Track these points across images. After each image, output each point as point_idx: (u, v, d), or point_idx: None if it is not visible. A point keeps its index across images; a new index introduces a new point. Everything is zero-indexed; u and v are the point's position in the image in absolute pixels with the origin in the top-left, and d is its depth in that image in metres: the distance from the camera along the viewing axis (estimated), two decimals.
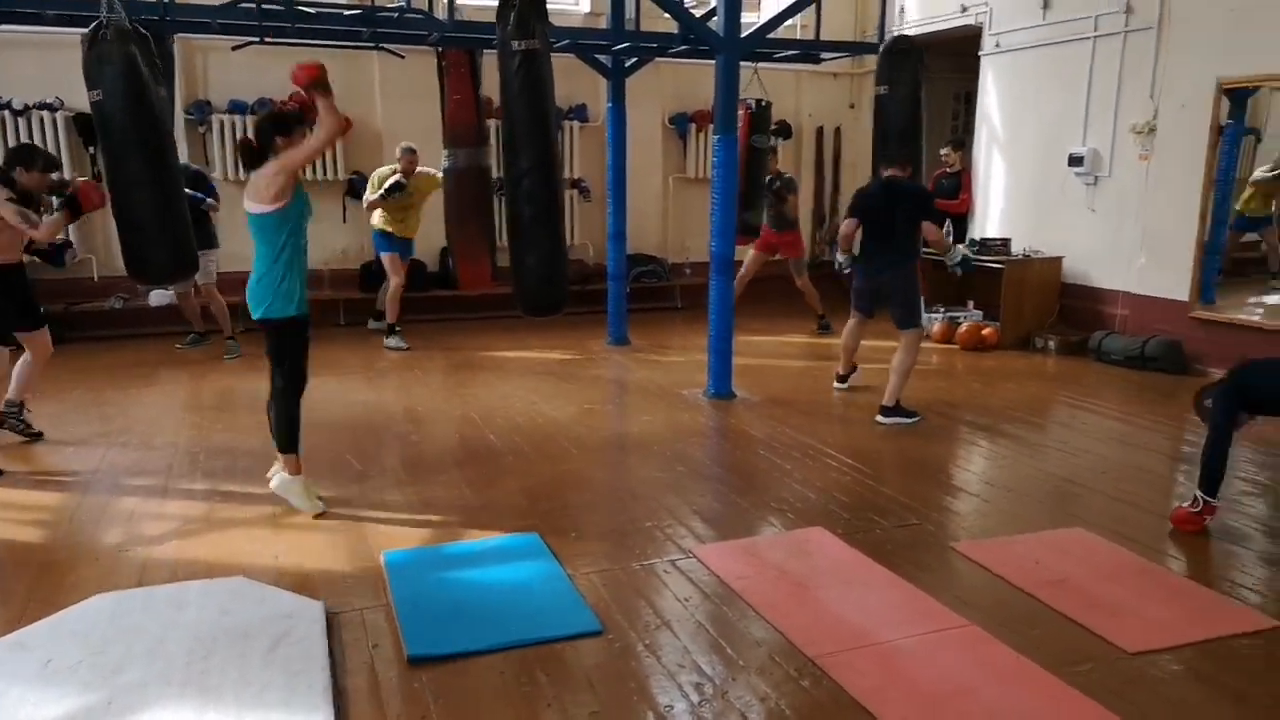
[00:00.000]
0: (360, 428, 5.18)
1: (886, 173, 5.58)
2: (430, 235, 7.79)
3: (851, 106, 10.20)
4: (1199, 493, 3.80)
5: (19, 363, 4.81)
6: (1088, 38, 7.28)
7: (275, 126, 3.88)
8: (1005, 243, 7.74)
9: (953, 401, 5.91)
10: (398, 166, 7.08)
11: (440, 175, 6.55)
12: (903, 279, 5.52)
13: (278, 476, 3.98)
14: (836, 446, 4.94)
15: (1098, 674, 2.75)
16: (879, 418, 5.47)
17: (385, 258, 7.39)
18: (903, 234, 5.47)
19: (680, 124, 9.50)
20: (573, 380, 6.45)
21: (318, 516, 3.89)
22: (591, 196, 8.70)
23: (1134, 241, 7.07)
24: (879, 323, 5.96)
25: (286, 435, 3.93)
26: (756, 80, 7.15)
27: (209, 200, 6.92)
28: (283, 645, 2.79)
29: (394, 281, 7.39)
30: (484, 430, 5.19)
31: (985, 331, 7.54)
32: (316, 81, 3.75)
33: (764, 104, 7.42)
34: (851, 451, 4.86)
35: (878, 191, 5.60)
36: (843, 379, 6.21)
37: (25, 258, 4.78)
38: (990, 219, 8.43)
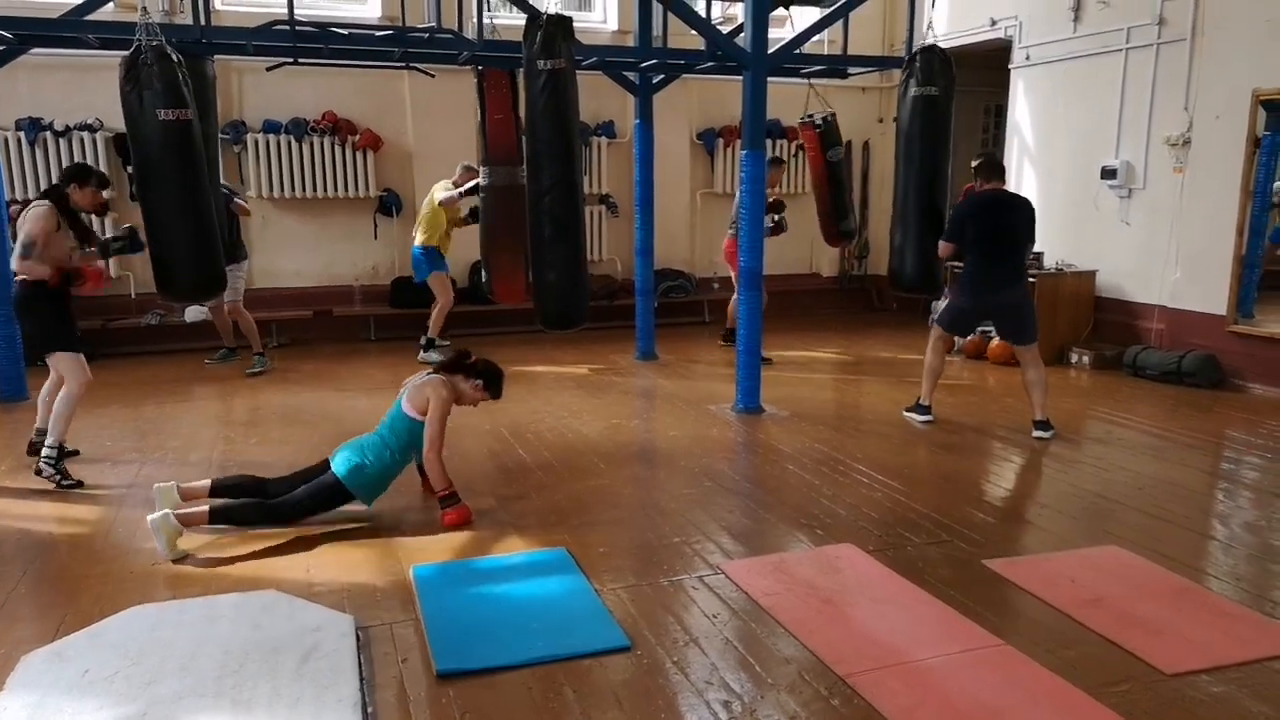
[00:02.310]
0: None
1: (989, 185, 5.30)
2: (460, 251, 7.86)
3: (880, 121, 10.18)
4: None
5: (57, 399, 4.56)
6: (1120, 50, 7.21)
7: (480, 373, 4.24)
8: (1038, 256, 7.65)
9: (985, 417, 5.84)
10: (456, 180, 7.15)
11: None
12: (1025, 295, 5.43)
13: (166, 512, 3.70)
14: (867, 462, 4.91)
15: (1135, 695, 2.70)
16: (1036, 433, 5.32)
17: (437, 275, 7.41)
18: (1022, 249, 5.37)
19: (708, 140, 9.53)
20: (601, 395, 6.47)
21: (178, 561, 3.65)
22: (619, 212, 8.75)
23: (1169, 255, 6.98)
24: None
25: (233, 522, 3.87)
26: (815, 96, 7.15)
27: (237, 200, 6.94)
28: (313, 659, 2.81)
29: (445, 299, 7.46)
30: (513, 445, 5.21)
31: None
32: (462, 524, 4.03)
33: (829, 118, 7.40)
34: (882, 467, 4.82)
35: (991, 205, 5.28)
36: (925, 409, 5.69)
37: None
38: None
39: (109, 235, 4.85)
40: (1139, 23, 7.03)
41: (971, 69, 8.57)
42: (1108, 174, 7.31)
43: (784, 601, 3.27)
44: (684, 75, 7.50)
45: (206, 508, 3.83)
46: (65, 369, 4.57)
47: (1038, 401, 5.36)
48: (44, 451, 4.51)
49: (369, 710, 2.61)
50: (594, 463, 4.93)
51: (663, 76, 7.24)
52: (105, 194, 4.89)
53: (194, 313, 7.80)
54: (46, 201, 4.49)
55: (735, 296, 7.46)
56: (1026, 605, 3.28)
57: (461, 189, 7.00)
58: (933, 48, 5.86)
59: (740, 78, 5.70)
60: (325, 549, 3.76)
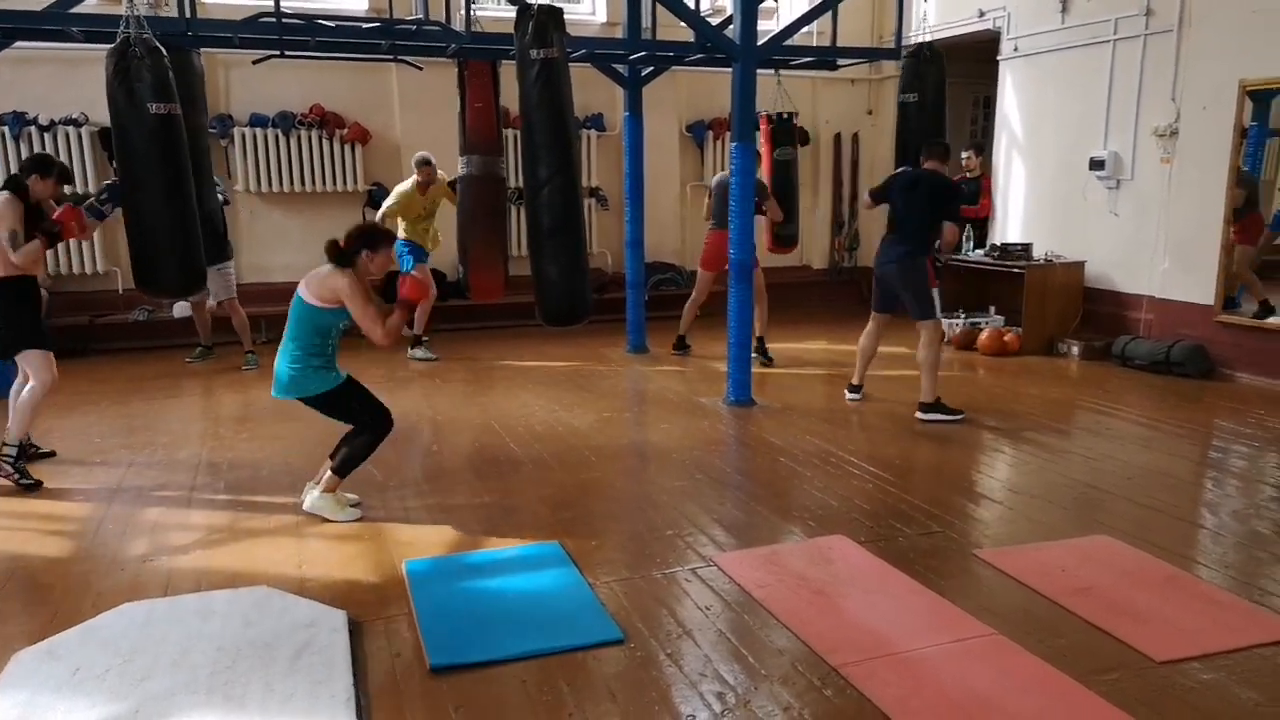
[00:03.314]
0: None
1: (927, 164, 5.54)
2: (449, 245, 7.82)
3: (869, 113, 10.18)
4: None
5: (22, 396, 4.49)
6: (1107, 41, 7.23)
7: (366, 241, 3.90)
8: (1026, 248, 7.68)
9: (975, 407, 5.86)
10: (416, 179, 7.09)
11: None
12: (909, 270, 5.51)
13: (312, 495, 4.01)
14: (858, 454, 4.92)
15: (1126, 683, 2.72)
16: (918, 414, 5.50)
17: (418, 269, 7.38)
18: (914, 226, 5.50)
19: (697, 132, 9.52)
20: (592, 388, 6.46)
21: (357, 521, 3.97)
22: (609, 205, 8.73)
23: (1157, 245, 7.01)
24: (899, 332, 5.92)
25: (352, 465, 4.02)
26: (780, 90, 7.14)
27: (220, 190, 6.82)
28: (306, 654, 2.81)
29: (428, 293, 7.41)
30: (505, 439, 5.21)
31: (1007, 337, 7.49)
32: (410, 305, 3.97)
33: (787, 116, 7.37)
34: (873, 459, 4.84)
35: (904, 181, 5.59)
36: (855, 388, 6.00)
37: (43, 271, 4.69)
38: (1011, 224, 8.38)
39: (91, 196, 4.75)
40: (1127, 13, 7.05)
41: (960, 60, 8.57)
42: (1096, 165, 7.34)
43: (776, 593, 3.27)
44: (673, 67, 7.48)
45: (331, 472, 3.99)
46: (33, 366, 4.47)
47: (923, 384, 5.53)
48: (3, 450, 4.41)
49: (362, 705, 2.60)
50: (585, 456, 4.92)
51: (652, 69, 7.22)
52: (66, 189, 4.79)
53: (183, 309, 7.76)
54: (6, 192, 4.36)
55: (691, 299, 7.34)
56: (1017, 595, 3.30)
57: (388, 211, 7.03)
58: (924, 45, 5.87)
59: (729, 69, 5.70)
60: (317, 544, 3.75)
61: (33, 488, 4.39)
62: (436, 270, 8.48)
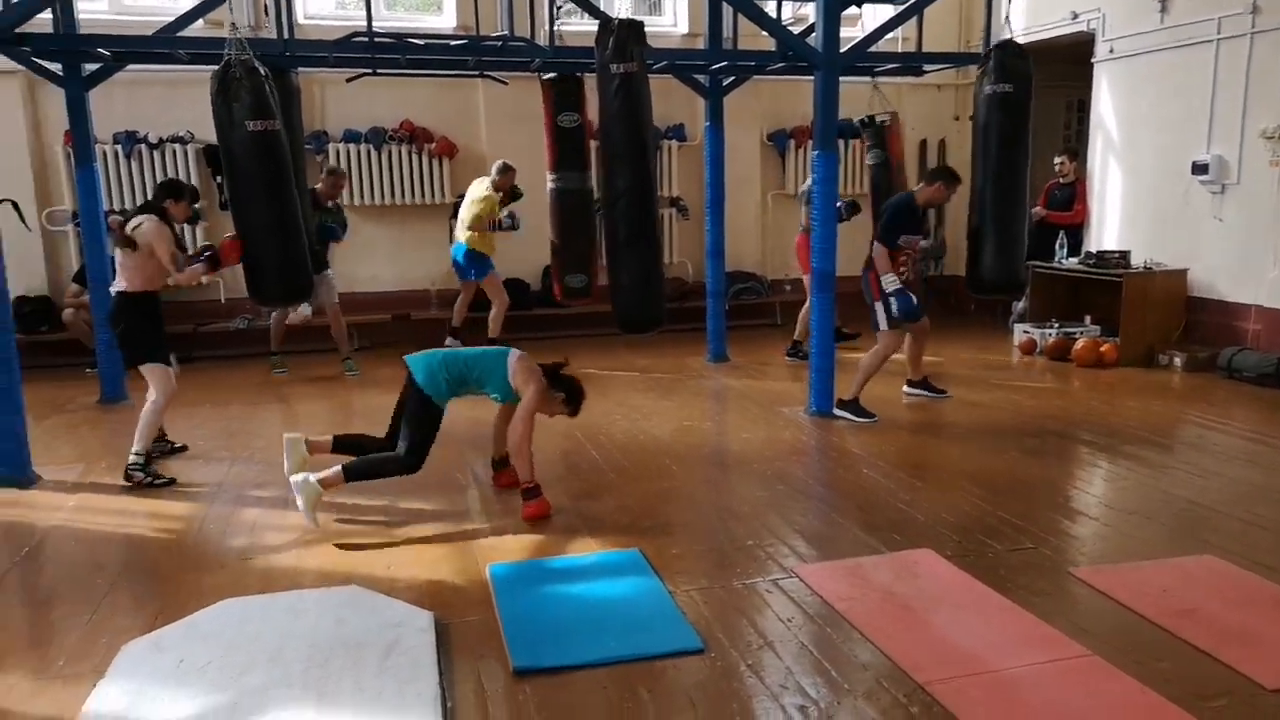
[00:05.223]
0: (465, 443, 5.29)
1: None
2: (534, 254, 7.95)
3: (956, 119, 9.96)
4: None
5: (144, 409, 4.72)
6: (1210, 40, 6.93)
7: (565, 388, 4.28)
8: (1124, 255, 7.40)
9: (1069, 420, 5.67)
10: (493, 181, 7.26)
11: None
12: (863, 284, 5.82)
13: (307, 476, 3.97)
14: (945, 466, 4.80)
15: (1234, 711, 2.58)
16: (835, 409, 5.74)
17: (492, 278, 7.54)
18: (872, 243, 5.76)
19: (779, 141, 9.46)
20: (672, 397, 6.47)
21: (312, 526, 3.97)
22: (690, 215, 8.74)
23: (1267, 252, 6.66)
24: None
25: (363, 477, 4.06)
26: (877, 93, 7.07)
27: (338, 234, 7.22)
28: (394, 653, 2.88)
29: (502, 300, 7.56)
30: (586, 446, 5.25)
31: (1103, 348, 7.21)
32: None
33: (870, 120, 7.29)
34: (961, 472, 4.72)
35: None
36: (911, 383, 6.30)
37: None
38: (1108, 231, 8.09)
39: (190, 254, 5.05)
40: (1231, 12, 6.74)
41: (1052, 64, 8.33)
42: (1199, 169, 7.02)
43: (860, 607, 3.22)
44: (754, 76, 7.46)
45: (340, 469, 4.00)
46: (153, 380, 4.72)
47: (854, 378, 5.76)
48: (131, 459, 4.65)
49: (448, 706, 2.65)
50: (666, 464, 4.93)
51: (733, 78, 7.21)
52: (195, 207, 5.09)
53: (296, 315, 7.89)
54: (153, 215, 4.67)
55: (807, 305, 7.41)
56: (1115, 615, 3.17)
57: (499, 219, 7.24)
58: (1008, 43, 5.71)
59: (811, 78, 5.65)
60: (404, 546, 3.85)
61: (167, 484, 4.65)
62: (518, 279, 8.65)
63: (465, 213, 7.43)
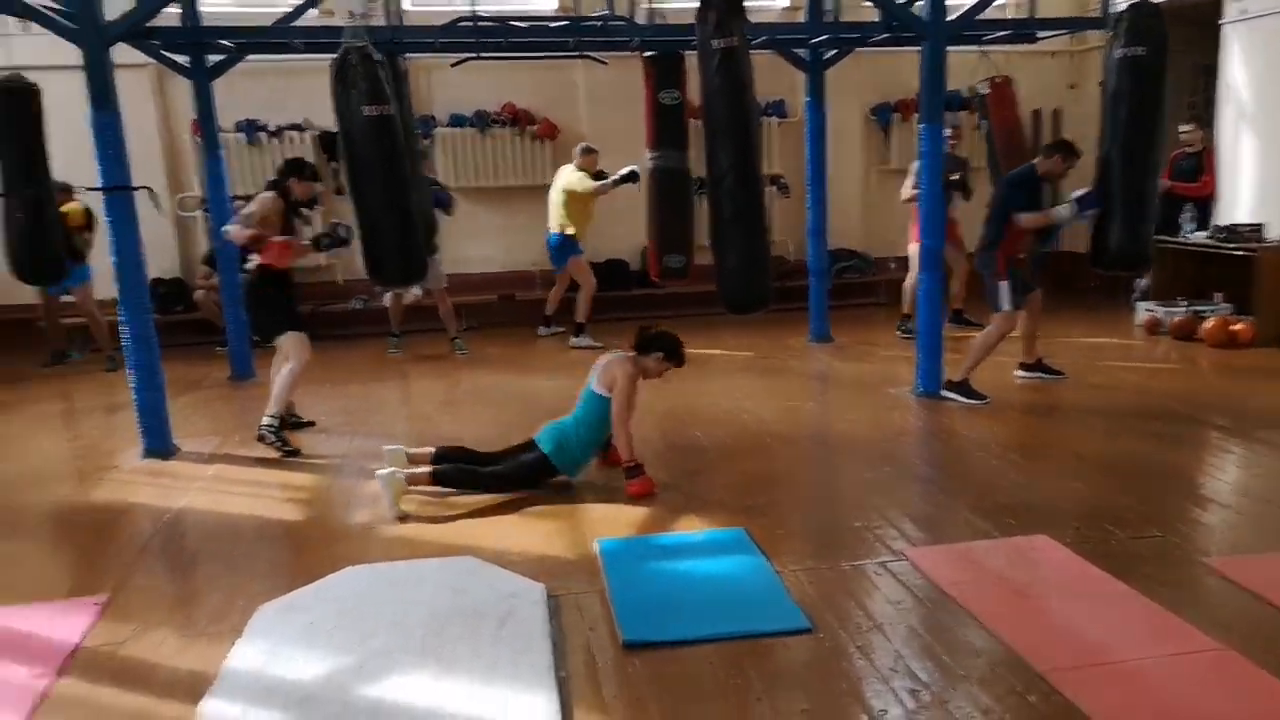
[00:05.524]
0: None
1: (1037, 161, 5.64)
2: (633, 234, 7.99)
3: (1072, 87, 9.51)
4: None
5: (280, 374, 4.97)
6: None
7: (659, 345, 4.31)
8: (1257, 228, 6.95)
9: (1198, 403, 5.38)
10: (576, 165, 7.33)
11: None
12: (980, 262, 5.66)
13: (394, 471, 4.05)
14: (1062, 450, 4.64)
15: None
16: (943, 391, 5.57)
17: (576, 261, 7.60)
18: (991, 220, 5.59)
19: (882, 115, 9.23)
20: (775, 377, 6.43)
21: (401, 520, 3.99)
22: (790, 193, 8.63)
23: None
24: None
25: (451, 484, 4.18)
26: (986, 62, 6.83)
27: (447, 203, 7.37)
28: (509, 623, 2.97)
29: (589, 283, 7.62)
30: (688, 426, 5.27)
31: (1236, 327, 6.79)
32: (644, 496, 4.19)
33: (981, 90, 7.06)
34: (1079, 455, 4.55)
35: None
36: (1024, 366, 6.11)
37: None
38: (1239, 203, 7.60)
39: (320, 232, 5.25)
40: None
41: (1175, 27, 7.78)
42: None
43: (973, 591, 3.15)
44: (857, 49, 7.28)
45: (429, 469, 4.15)
46: (291, 347, 4.97)
47: (965, 360, 5.59)
48: (264, 420, 4.95)
49: (561, 675, 2.72)
50: (769, 444, 4.91)
51: (835, 51, 7.05)
52: (317, 186, 5.30)
53: (408, 296, 8.14)
54: (272, 192, 4.92)
55: (911, 277, 7.25)
56: (1252, 608, 3.01)
57: (615, 177, 7.17)
58: (1142, 3, 5.39)
59: (917, 49, 5.48)
60: (517, 520, 3.95)
61: (292, 454, 4.89)
62: (618, 260, 8.71)
63: (554, 200, 7.52)
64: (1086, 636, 2.84)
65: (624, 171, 7.12)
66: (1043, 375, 5.99)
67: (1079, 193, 5.40)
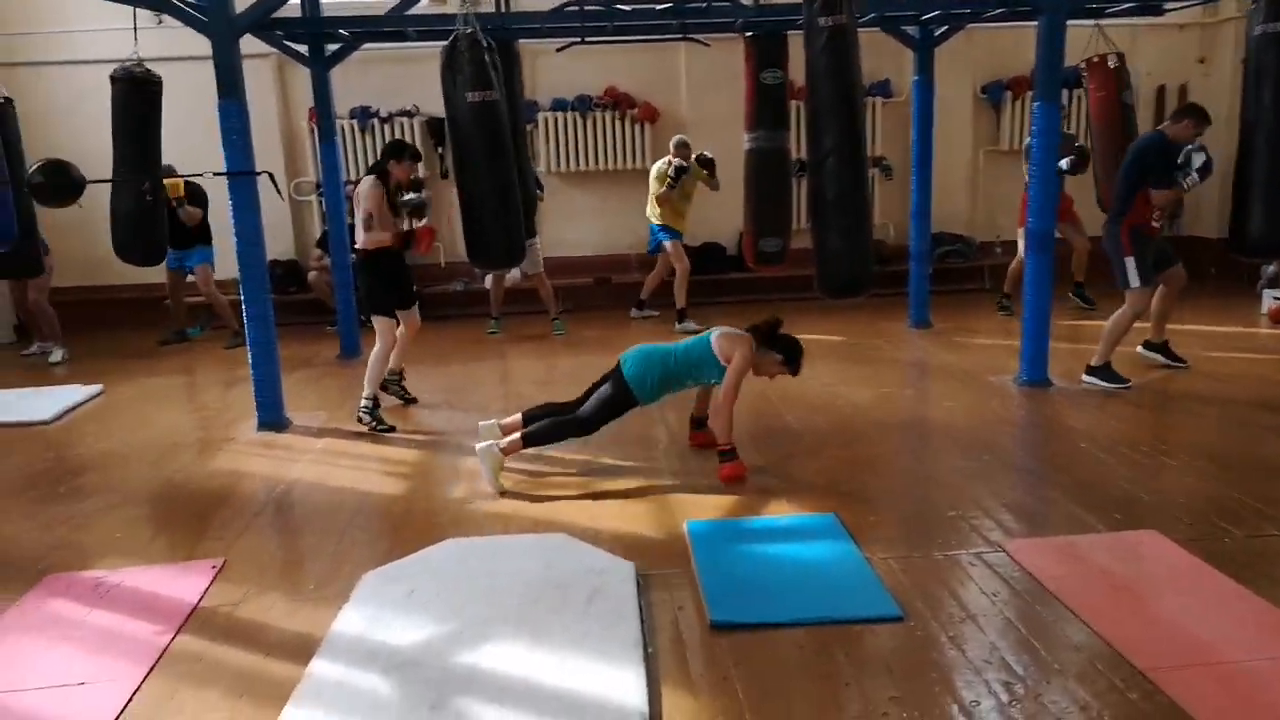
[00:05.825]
0: (665, 406, 5.42)
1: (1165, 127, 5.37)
2: (731, 218, 7.96)
3: (1201, 61, 8.97)
4: None
5: (372, 355, 5.21)
6: None
7: (783, 347, 4.29)
8: None
9: None
10: (671, 159, 7.35)
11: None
12: (1108, 236, 5.41)
13: (491, 444, 4.17)
14: (1175, 443, 4.43)
15: None
16: (1083, 376, 5.40)
17: (671, 245, 7.62)
18: (1117, 192, 5.38)
19: (994, 93, 8.91)
20: (871, 363, 6.32)
21: (500, 494, 4.10)
22: (894, 175, 8.43)
23: None
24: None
25: (542, 442, 4.24)
26: (1099, 38, 6.53)
27: (539, 190, 7.50)
28: (598, 599, 3.04)
29: (681, 267, 7.63)
30: (781, 411, 5.25)
31: None
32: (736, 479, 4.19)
33: (1080, 68, 6.78)
34: (1193, 448, 4.33)
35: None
36: (1149, 345, 5.88)
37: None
38: None
39: (405, 197, 5.42)
40: None
41: None
42: None
43: (1073, 585, 3.06)
44: (969, 25, 7.04)
45: (520, 436, 4.24)
46: (378, 330, 5.18)
47: (1099, 346, 5.38)
48: (361, 403, 5.16)
49: (649, 651, 2.78)
50: (864, 430, 4.85)
51: (945, 28, 6.84)
52: (418, 166, 5.46)
53: (512, 277, 8.32)
54: (372, 176, 5.10)
55: (1018, 259, 7.03)
56: None
57: (668, 183, 7.26)
58: None
59: (1033, 23, 5.27)
60: (609, 501, 4.02)
61: (388, 431, 5.09)
62: (714, 243, 8.69)
63: (650, 189, 7.59)
64: (1194, 635, 2.72)
65: (673, 171, 7.27)
66: (1164, 359, 5.71)
67: (1198, 152, 5.13)
